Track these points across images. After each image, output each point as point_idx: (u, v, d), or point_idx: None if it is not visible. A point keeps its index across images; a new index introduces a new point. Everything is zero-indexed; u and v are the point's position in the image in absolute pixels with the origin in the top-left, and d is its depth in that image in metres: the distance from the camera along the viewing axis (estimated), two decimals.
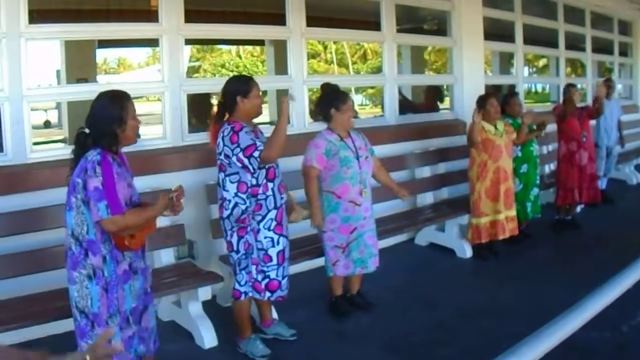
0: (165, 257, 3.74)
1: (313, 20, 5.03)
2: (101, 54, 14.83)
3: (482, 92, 5.69)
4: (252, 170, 3.09)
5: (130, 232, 2.43)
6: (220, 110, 3.25)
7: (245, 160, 3.04)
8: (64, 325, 2.92)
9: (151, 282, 2.72)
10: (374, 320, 3.75)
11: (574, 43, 8.57)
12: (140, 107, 2.83)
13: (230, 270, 3.47)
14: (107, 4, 5.70)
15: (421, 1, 6.06)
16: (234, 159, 3.07)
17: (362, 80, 11.14)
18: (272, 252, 3.24)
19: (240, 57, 25.74)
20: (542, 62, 16.08)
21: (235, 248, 3.21)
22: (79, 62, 6.41)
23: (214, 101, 5.69)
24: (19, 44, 3.56)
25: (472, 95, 5.44)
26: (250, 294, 3.27)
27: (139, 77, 16.22)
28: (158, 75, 4.50)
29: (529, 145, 5.23)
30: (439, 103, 7.16)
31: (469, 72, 6.23)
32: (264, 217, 3.20)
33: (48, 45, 6.29)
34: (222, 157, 3.14)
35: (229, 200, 3.17)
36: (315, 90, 4.66)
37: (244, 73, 19.30)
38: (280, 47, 6.70)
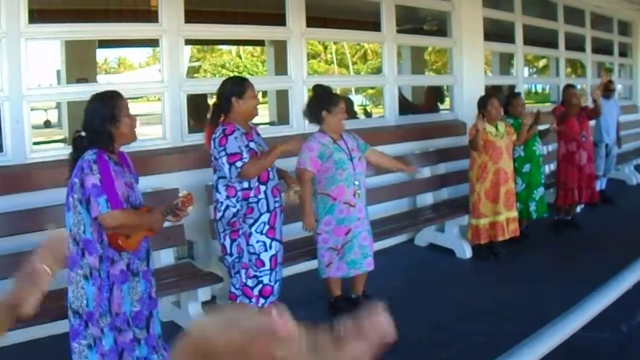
0: (165, 257, 3.74)
1: (313, 20, 5.03)
2: (101, 54, 14.80)
3: (482, 92, 5.69)
4: (229, 177, 3.07)
5: (125, 232, 2.42)
6: (215, 111, 3.23)
7: (226, 167, 3.04)
8: (64, 326, 2.91)
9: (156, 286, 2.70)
10: None
11: (574, 44, 8.56)
12: (140, 107, 2.84)
13: None
14: (107, 4, 5.70)
15: (421, 2, 6.06)
16: (219, 161, 3.07)
17: (362, 81, 11.15)
18: (265, 256, 3.17)
19: (240, 57, 25.73)
20: (542, 63, 16.08)
21: (228, 251, 3.19)
22: (79, 62, 6.41)
23: (211, 102, 5.68)
24: (19, 43, 3.56)
25: (472, 96, 5.44)
26: (239, 300, 3.22)
27: (139, 77, 16.20)
28: (158, 75, 4.50)
29: (532, 144, 5.22)
30: (439, 104, 7.17)
31: (469, 72, 6.23)
32: (256, 221, 3.14)
33: (48, 45, 6.29)
34: (212, 158, 3.14)
35: (221, 203, 3.15)
36: None
37: (244, 73, 19.32)
38: (280, 48, 6.70)
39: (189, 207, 2.58)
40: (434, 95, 7.09)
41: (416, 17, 7.27)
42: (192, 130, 4.39)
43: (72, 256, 2.40)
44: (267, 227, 3.17)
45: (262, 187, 3.15)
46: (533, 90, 16.27)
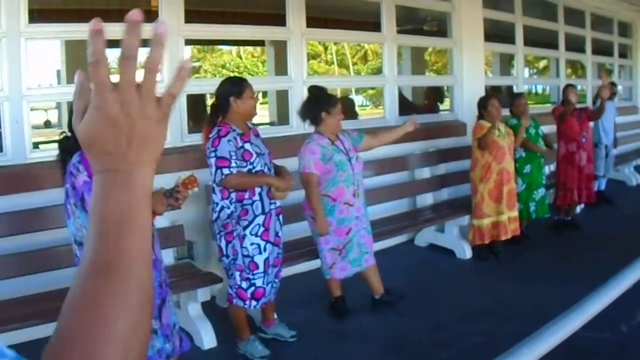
0: (165, 257, 3.71)
1: (313, 21, 5.03)
2: None
3: (483, 93, 5.70)
4: (213, 179, 3.07)
5: None
6: (214, 111, 3.22)
7: (213, 169, 3.03)
8: None
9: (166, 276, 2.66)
10: (374, 320, 3.75)
11: (574, 45, 8.57)
12: None
13: None
14: (107, 4, 5.70)
15: (421, 2, 6.06)
16: (209, 161, 3.07)
17: (362, 81, 11.18)
18: (259, 259, 3.15)
19: (240, 57, 25.77)
20: (542, 64, 16.09)
21: (224, 253, 3.19)
22: (79, 62, 6.39)
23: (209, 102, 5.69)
24: (19, 43, 3.56)
25: (472, 97, 5.44)
26: (234, 302, 3.21)
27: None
28: (158, 75, 4.48)
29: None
30: (439, 104, 7.17)
31: (469, 73, 6.23)
32: (250, 223, 3.12)
33: (48, 45, 6.29)
34: (206, 157, 3.14)
35: (217, 204, 3.15)
36: None
37: (244, 73, 19.34)
38: (280, 48, 6.70)
39: (193, 189, 2.51)
40: (434, 96, 7.09)
41: (416, 17, 7.27)
42: (191, 130, 4.40)
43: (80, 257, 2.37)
44: (261, 229, 3.15)
45: (257, 189, 3.12)
46: (533, 91, 16.27)
